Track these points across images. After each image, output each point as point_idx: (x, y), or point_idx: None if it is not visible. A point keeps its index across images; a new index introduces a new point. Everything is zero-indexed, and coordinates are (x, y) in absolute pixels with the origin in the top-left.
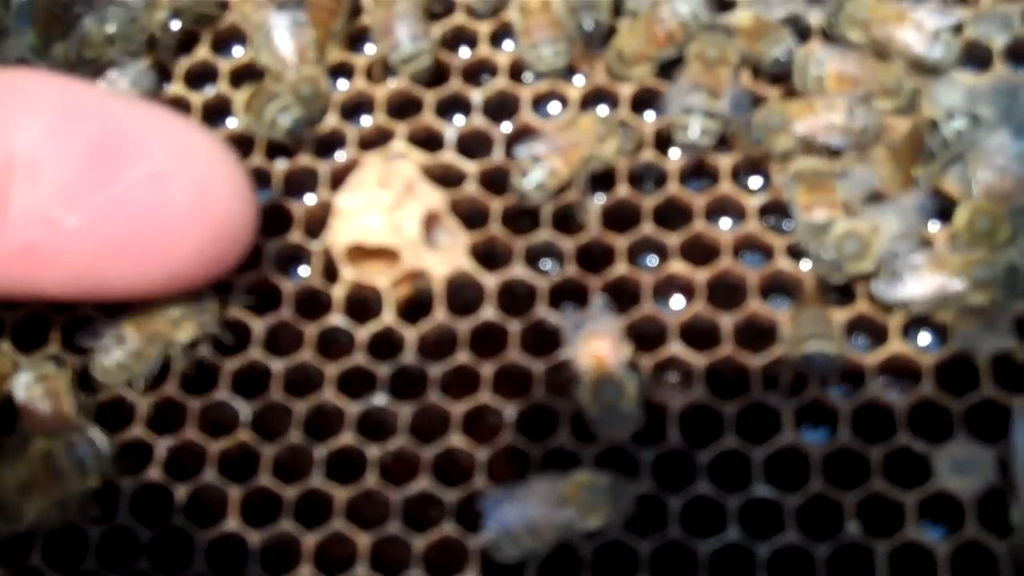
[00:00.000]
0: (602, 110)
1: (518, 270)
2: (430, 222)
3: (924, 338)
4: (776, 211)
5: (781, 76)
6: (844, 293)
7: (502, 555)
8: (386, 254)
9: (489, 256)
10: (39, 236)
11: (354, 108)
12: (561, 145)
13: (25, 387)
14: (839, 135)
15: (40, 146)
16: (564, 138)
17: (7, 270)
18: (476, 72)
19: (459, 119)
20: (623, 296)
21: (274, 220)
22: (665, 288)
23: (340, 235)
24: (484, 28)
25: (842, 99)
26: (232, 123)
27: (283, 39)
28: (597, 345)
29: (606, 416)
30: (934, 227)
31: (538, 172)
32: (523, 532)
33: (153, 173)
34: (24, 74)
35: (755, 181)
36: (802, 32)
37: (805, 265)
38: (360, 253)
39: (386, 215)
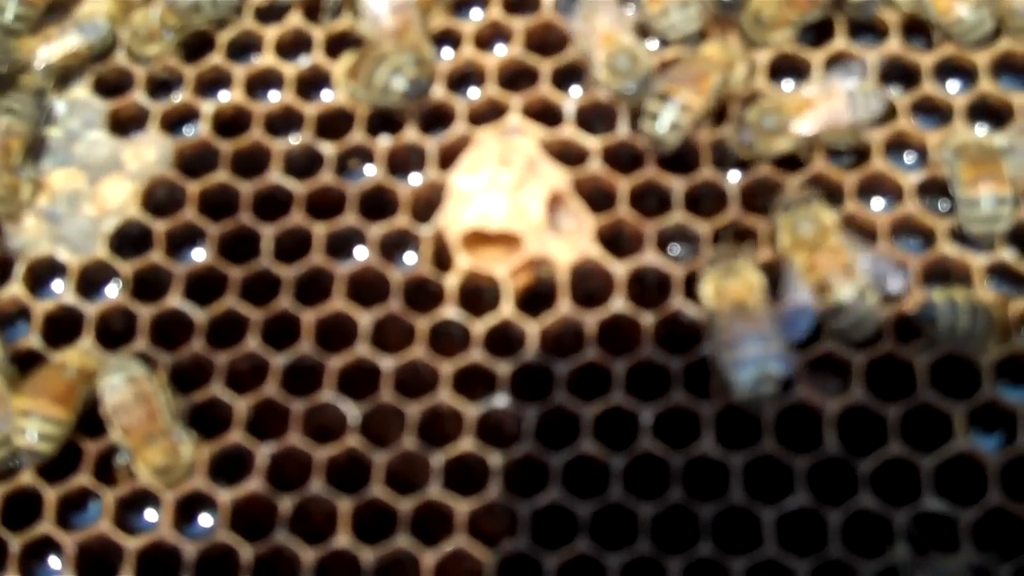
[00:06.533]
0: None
1: (649, 256)
2: (553, 204)
3: None
4: (935, 190)
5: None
6: None
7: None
8: (505, 240)
9: (616, 241)
10: None
11: (462, 79)
12: (689, 76)
13: (113, 390)
14: (848, 135)
15: None
16: (690, 70)
17: None
18: None
19: (577, 90)
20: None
21: (378, 202)
22: None
23: (456, 219)
24: None
25: (839, 83)
26: (327, 96)
27: (379, 2)
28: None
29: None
30: None
31: (669, 110)
32: None
33: None
34: None
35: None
36: None
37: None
38: (476, 239)
39: (509, 197)
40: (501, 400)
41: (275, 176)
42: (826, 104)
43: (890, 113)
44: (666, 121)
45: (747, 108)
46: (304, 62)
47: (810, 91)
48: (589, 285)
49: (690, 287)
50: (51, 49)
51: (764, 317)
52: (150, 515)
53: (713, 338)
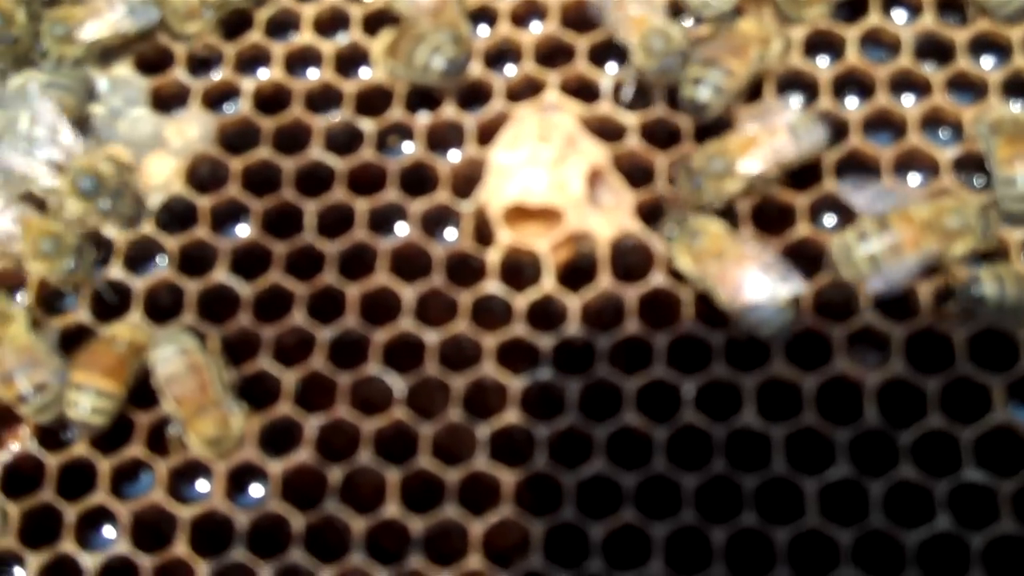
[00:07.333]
0: None
1: None
2: (593, 179)
3: None
4: (971, 165)
5: None
6: None
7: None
8: (546, 215)
9: (655, 216)
10: None
11: (499, 56)
12: (730, 47)
13: (166, 362)
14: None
15: None
16: (729, 42)
17: None
18: None
19: (613, 67)
20: (806, 261)
21: (418, 178)
22: None
23: (497, 194)
24: None
25: (778, 117)
26: (366, 73)
27: None
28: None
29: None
30: None
31: (714, 74)
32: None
33: None
34: None
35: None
36: None
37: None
38: (517, 214)
39: (550, 172)
40: (544, 373)
41: (316, 152)
42: (769, 141)
43: (925, 89)
44: (710, 84)
45: (691, 156)
46: (342, 39)
47: (751, 129)
48: (629, 260)
49: None
50: (99, 26)
51: (749, 251)
52: (202, 485)
53: (717, 296)
